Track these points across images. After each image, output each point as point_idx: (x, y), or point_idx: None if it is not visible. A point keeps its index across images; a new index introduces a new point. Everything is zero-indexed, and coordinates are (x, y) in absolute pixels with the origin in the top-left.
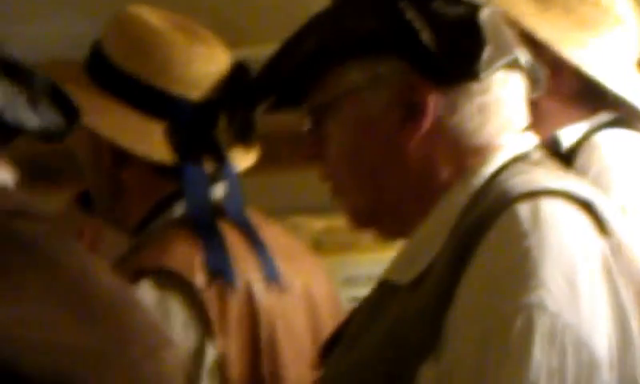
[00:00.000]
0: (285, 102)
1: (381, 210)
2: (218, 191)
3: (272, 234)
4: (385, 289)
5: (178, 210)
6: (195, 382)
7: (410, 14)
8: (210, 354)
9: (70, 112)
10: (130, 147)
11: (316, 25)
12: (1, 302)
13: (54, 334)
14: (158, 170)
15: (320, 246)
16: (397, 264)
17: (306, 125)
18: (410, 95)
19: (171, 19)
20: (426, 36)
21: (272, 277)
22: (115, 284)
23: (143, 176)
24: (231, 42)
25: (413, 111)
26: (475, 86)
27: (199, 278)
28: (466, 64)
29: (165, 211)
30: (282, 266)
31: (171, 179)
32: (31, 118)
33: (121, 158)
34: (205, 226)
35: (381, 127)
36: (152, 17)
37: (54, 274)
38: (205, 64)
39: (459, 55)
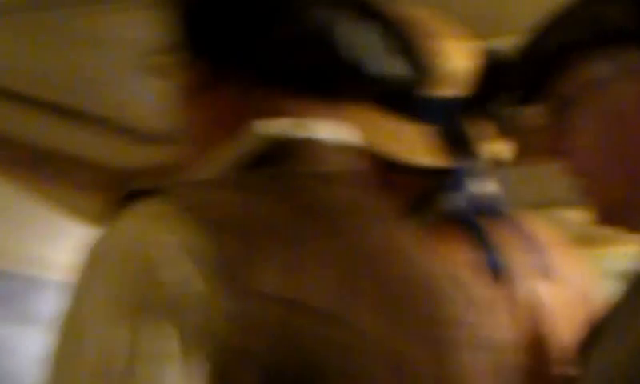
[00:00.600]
0: (527, 96)
1: (635, 204)
2: (480, 186)
3: (533, 227)
4: None
5: (439, 205)
6: None
7: None
8: None
9: (417, 65)
10: (391, 152)
11: (562, 18)
12: (288, 270)
13: (339, 314)
14: (410, 168)
15: (580, 239)
16: None
17: (546, 119)
18: None
19: (411, 16)
20: None
21: (542, 270)
22: (419, 264)
23: (395, 175)
24: (480, 34)
25: None
26: None
27: (472, 275)
28: None
29: (424, 208)
30: (547, 259)
31: (428, 175)
32: (385, 66)
33: (377, 160)
34: (471, 222)
35: (632, 120)
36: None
37: (346, 246)
38: (455, 59)
39: None
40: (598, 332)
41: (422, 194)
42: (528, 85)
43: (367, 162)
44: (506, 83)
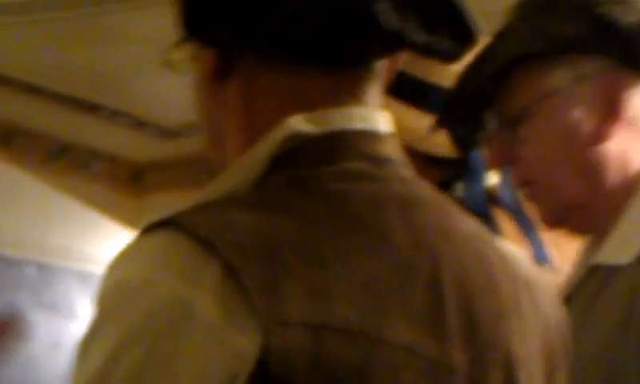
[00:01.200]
0: (475, 110)
1: (582, 205)
2: (490, 178)
3: (531, 217)
4: (599, 272)
5: (454, 196)
6: None
7: (610, 16)
8: None
9: (464, 33)
10: (411, 143)
11: (509, 32)
12: (314, 293)
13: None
14: (429, 159)
15: None
16: (609, 249)
17: (494, 130)
18: (610, 91)
19: None
20: (628, 33)
21: (543, 260)
22: (471, 254)
23: (414, 164)
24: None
25: (612, 106)
26: None
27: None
28: None
29: None
30: (551, 249)
31: (443, 166)
32: (417, 33)
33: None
34: (481, 212)
35: (585, 125)
36: None
37: (379, 257)
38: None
39: None
40: None
41: (438, 184)
42: (477, 100)
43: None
44: (460, 98)
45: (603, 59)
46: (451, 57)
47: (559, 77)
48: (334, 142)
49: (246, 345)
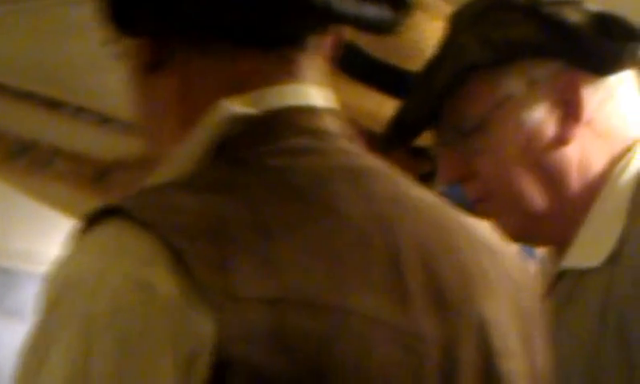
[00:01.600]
0: (423, 127)
1: (547, 215)
2: None
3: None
4: (567, 278)
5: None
6: None
7: (559, 17)
8: None
9: (399, 4)
10: (374, 129)
11: (454, 46)
12: (267, 268)
13: (330, 297)
14: (410, 149)
15: None
16: (577, 252)
17: (446, 145)
18: (566, 93)
19: None
20: (582, 32)
21: (528, 255)
22: (428, 226)
23: (395, 156)
24: None
25: (570, 108)
26: (613, 81)
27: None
28: (614, 57)
29: None
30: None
31: (425, 159)
32: (347, 4)
33: (372, 139)
34: (466, 205)
35: (543, 130)
36: None
37: (329, 226)
38: (435, 37)
39: (610, 48)
40: None
41: (419, 177)
42: (425, 116)
43: (348, 125)
44: (406, 116)
45: (555, 61)
46: (386, 28)
47: (512, 83)
48: (270, 120)
49: (203, 325)
